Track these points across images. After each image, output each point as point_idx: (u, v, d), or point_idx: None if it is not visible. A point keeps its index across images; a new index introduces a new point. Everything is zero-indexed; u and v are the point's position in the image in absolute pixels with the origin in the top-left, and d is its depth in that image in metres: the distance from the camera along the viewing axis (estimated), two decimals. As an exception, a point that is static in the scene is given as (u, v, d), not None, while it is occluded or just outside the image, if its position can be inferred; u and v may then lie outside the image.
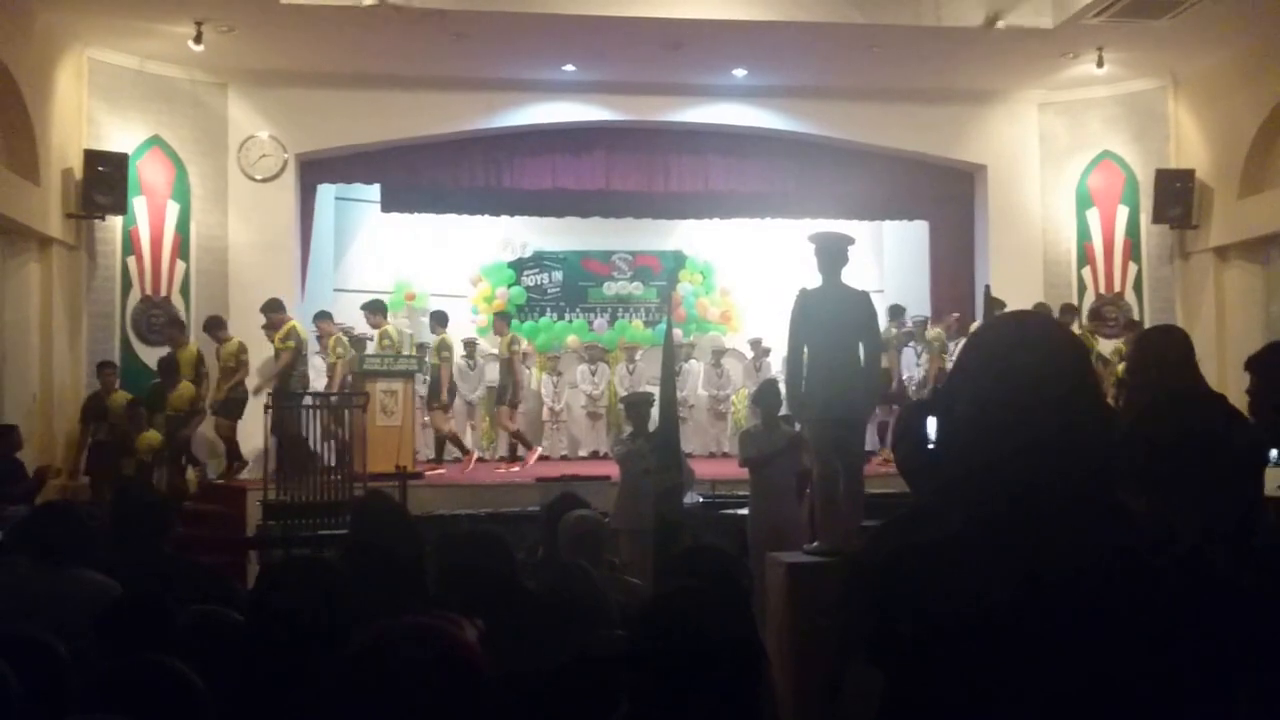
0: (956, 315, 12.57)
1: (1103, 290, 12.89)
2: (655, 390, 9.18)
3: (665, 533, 6.75)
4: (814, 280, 6.26)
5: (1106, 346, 12.06)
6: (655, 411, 8.14)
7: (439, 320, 12.32)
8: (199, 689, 2.40)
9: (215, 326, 11.30)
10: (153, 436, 10.25)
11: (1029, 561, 1.47)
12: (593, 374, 14.84)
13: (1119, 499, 1.58)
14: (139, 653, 2.54)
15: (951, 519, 1.54)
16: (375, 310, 11.79)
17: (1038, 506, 1.50)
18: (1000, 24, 10.79)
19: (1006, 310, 5.19)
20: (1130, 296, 12.81)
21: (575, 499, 4.85)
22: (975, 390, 1.59)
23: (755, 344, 14.78)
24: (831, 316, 6.02)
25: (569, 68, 12.11)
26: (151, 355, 11.37)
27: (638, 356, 14.94)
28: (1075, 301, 12.55)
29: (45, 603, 3.29)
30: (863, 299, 6.19)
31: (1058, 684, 1.43)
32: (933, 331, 12.57)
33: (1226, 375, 9.53)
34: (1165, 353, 3.57)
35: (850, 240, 6.39)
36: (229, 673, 2.55)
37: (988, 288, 9.87)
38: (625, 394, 11.76)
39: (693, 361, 15.02)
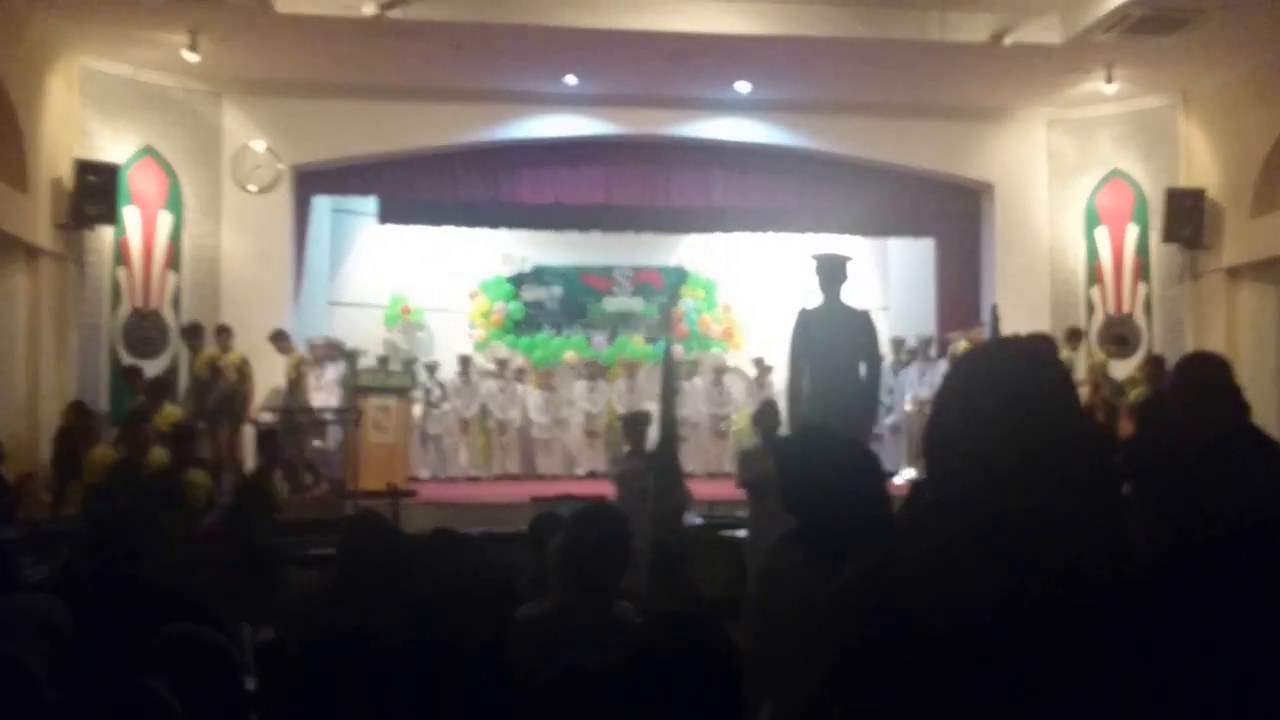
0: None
1: (1112, 310, 12.68)
2: (655, 408, 8.99)
3: (662, 555, 6.56)
4: (816, 297, 6.12)
5: (1118, 369, 11.81)
6: (654, 430, 7.95)
7: (226, 332, 11.26)
8: (174, 710, 2.33)
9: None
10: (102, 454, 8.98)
11: (1013, 579, 1.46)
12: (591, 391, 14.64)
13: (1109, 517, 1.57)
14: (106, 673, 2.47)
15: (939, 537, 1.54)
16: (194, 334, 11.25)
17: (1024, 523, 1.49)
18: (1007, 40, 10.60)
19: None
20: (1140, 317, 12.60)
21: (561, 520, 4.67)
22: (964, 413, 1.61)
23: (758, 363, 14.60)
24: (832, 335, 5.91)
25: (570, 80, 11.96)
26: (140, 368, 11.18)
27: (639, 374, 14.74)
28: (1084, 322, 12.36)
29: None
30: (863, 317, 6.07)
31: (1039, 703, 1.41)
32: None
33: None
34: (1211, 380, 3.37)
35: (849, 258, 6.26)
36: (205, 693, 2.55)
37: (994, 306, 9.67)
38: (624, 412, 11.54)
39: (695, 379, 14.81)
